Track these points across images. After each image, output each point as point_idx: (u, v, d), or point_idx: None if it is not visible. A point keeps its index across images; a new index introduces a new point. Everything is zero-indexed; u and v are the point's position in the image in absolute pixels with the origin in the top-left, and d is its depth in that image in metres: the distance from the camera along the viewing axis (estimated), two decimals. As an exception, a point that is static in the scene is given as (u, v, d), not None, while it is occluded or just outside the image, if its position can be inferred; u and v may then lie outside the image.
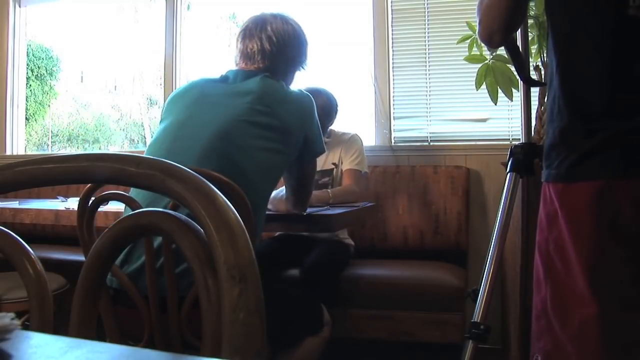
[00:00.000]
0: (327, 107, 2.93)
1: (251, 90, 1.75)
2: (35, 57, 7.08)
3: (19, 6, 4.38)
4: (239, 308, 0.42)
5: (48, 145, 7.03)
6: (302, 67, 1.96)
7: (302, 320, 1.94)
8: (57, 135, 7.14)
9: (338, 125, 3.12)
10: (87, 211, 1.54)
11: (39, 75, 7.19)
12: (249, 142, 1.69)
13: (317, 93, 2.97)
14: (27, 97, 6.94)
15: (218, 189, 1.44)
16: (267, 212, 2.13)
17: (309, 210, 2.11)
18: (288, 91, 1.83)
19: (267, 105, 1.73)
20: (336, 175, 2.97)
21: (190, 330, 1.55)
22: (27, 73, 6.92)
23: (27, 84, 6.97)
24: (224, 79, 1.84)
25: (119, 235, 0.55)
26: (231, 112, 1.72)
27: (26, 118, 7.05)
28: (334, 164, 2.98)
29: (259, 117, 1.71)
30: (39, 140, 7.21)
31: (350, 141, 3.00)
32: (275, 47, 1.83)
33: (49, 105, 7.32)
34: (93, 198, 1.56)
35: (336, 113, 3.05)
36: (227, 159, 1.66)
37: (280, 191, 2.07)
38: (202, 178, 0.49)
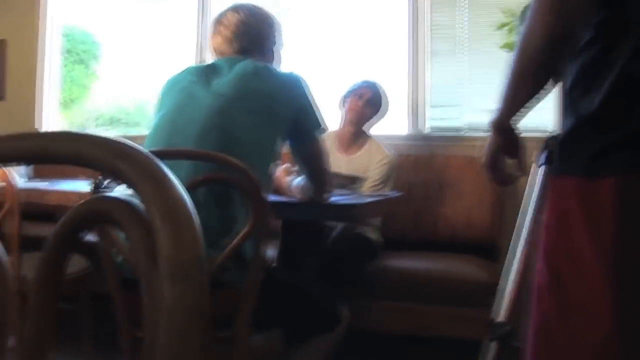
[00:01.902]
0: (373, 99, 3.00)
1: (239, 71, 1.81)
2: (77, 42, 7.17)
3: (54, -10, 4.41)
4: (175, 311, 0.37)
5: (90, 128, 7.12)
6: (275, 42, 2.01)
7: (317, 317, 1.89)
8: (98, 118, 7.24)
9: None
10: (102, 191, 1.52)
11: (80, 59, 7.28)
12: (245, 117, 1.74)
13: (366, 84, 2.98)
14: (69, 81, 7.04)
15: (233, 176, 1.40)
16: (288, 200, 2.10)
17: (332, 198, 2.06)
18: (273, 69, 1.89)
19: (254, 81, 1.80)
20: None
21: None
22: (69, 57, 7.02)
23: (69, 68, 7.07)
24: (213, 67, 1.90)
25: (73, 222, 0.50)
26: (225, 92, 1.76)
27: (70, 101, 7.16)
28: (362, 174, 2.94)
29: (248, 94, 1.77)
30: (81, 123, 7.31)
31: (383, 162, 2.97)
32: (236, 30, 1.91)
33: (90, 89, 7.42)
34: (108, 180, 1.54)
35: (382, 110, 3.07)
36: (227, 134, 1.70)
37: (300, 179, 2.03)
38: (156, 160, 0.43)
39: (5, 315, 0.55)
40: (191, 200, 0.45)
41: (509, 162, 1.38)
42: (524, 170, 1.42)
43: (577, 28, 1.06)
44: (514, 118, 1.26)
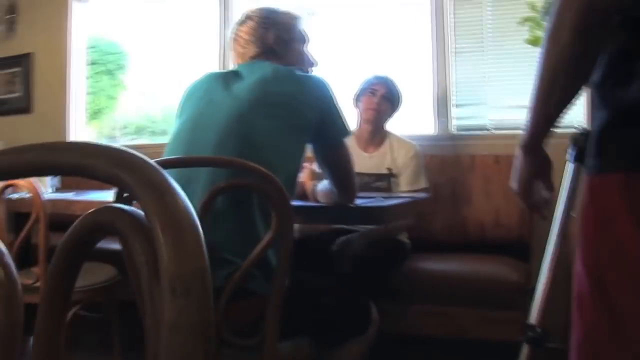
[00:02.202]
0: (388, 94, 2.95)
1: (258, 75, 1.78)
2: (105, 52, 7.26)
3: (79, 1, 4.44)
4: (177, 329, 0.34)
5: (118, 138, 7.20)
6: (292, 41, 1.94)
7: (348, 321, 1.86)
8: (126, 127, 7.31)
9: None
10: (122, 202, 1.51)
11: (108, 70, 7.36)
12: (261, 121, 1.69)
13: (378, 80, 2.94)
14: (97, 91, 7.12)
15: (255, 182, 1.37)
16: (313, 205, 2.07)
17: (358, 201, 2.03)
18: (295, 72, 1.82)
19: (275, 84, 1.75)
20: (394, 184, 2.88)
21: (228, 325, 1.50)
22: (97, 68, 7.10)
23: (96, 78, 7.15)
24: (233, 73, 1.87)
25: (80, 232, 0.48)
26: (240, 97, 1.73)
27: (97, 111, 7.24)
28: (389, 169, 2.89)
29: (269, 97, 1.73)
30: (109, 132, 7.39)
31: (410, 155, 2.93)
32: (245, 42, 1.90)
33: (118, 99, 7.50)
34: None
35: (398, 104, 3.02)
36: (246, 140, 1.66)
37: (326, 183, 2.00)
38: (157, 168, 0.41)
39: (16, 328, 0.53)
40: (200, 210, 0.42)
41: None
42: (553, 190, 1.32)
43: (614, 10, 0.95)
44: (546, 136, 1.13)
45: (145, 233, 0.43)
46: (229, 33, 1.98)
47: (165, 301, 0.35)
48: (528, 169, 1.20)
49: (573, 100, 1.06)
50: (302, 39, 1.99)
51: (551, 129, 1.11)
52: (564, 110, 1.07)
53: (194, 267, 0.36)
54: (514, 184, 1.24)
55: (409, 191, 2.80)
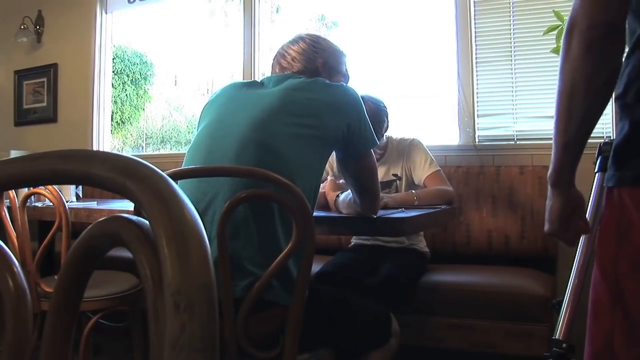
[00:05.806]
0: (375, 113, 2.71)
1: (285, 84, 1.76)
2: (130, 63, 7.34)
3: (105, 12, 4.49)
4: (179, 346, 0.33)
5: (143, 147, 7.26)
6: (339, 69, 1.96)
7: (368, 332, 1.83)
8: (151, 137, 7.37)
9: (409, 126, 3.00)
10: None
11: (134, 79, 7.44)
12: (284, 129, 1.66)
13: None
14: (123, 101, 7.20)
15: (276, 192, 1.36)
16: (335, 215, 2.06)
17: (381, 212, 2.00)
18: (322, 81, 1.79)
19: (299, 93, 1.73)
20: (400, 187, 2.81)
21: (247, 336, 1.48)
22: (123, 78, 7.17)
23: (123, 88, 7.23)
24: (257, 82, 1.87)
25: (88, 243, 0.47)
26: (263, 104, 1.70)
27: (122, 121, 7.32)
28: (395, 175, 2.83)
29: (292, 105, 1.70)
30: (134, 142, 7.46)
31: (412, 148, 2.83)
32: (297, 57, 1.90)
33: (143, 109, 7.57)
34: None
35: (386, 118, 2.82)
36: (266, 148, 1.63)
37: (348, 194, 1.98)
38: (164, 177, 0.40)
39: (26, 337, 0.52)
40: (220, 219, 0.41)
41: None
42: (587, 224, 1.21)
43: (617, 23, 0.95)
44: (571, 168, 1.10)
45: (151, 245, 0.41)
46: (278, 49, 1.98)
47: (167, 316, 0.34)
48: (559, 208, 1.13)
49: (591, 123, 1.04)
50: (345, 74, 2.00)
51: (575, 160, 1.08)
52: (583, 136, 1.05)
53: (199, 282, 0.35)
54: (547, 224, 1.16)
55: (429, 176, 2.72)
